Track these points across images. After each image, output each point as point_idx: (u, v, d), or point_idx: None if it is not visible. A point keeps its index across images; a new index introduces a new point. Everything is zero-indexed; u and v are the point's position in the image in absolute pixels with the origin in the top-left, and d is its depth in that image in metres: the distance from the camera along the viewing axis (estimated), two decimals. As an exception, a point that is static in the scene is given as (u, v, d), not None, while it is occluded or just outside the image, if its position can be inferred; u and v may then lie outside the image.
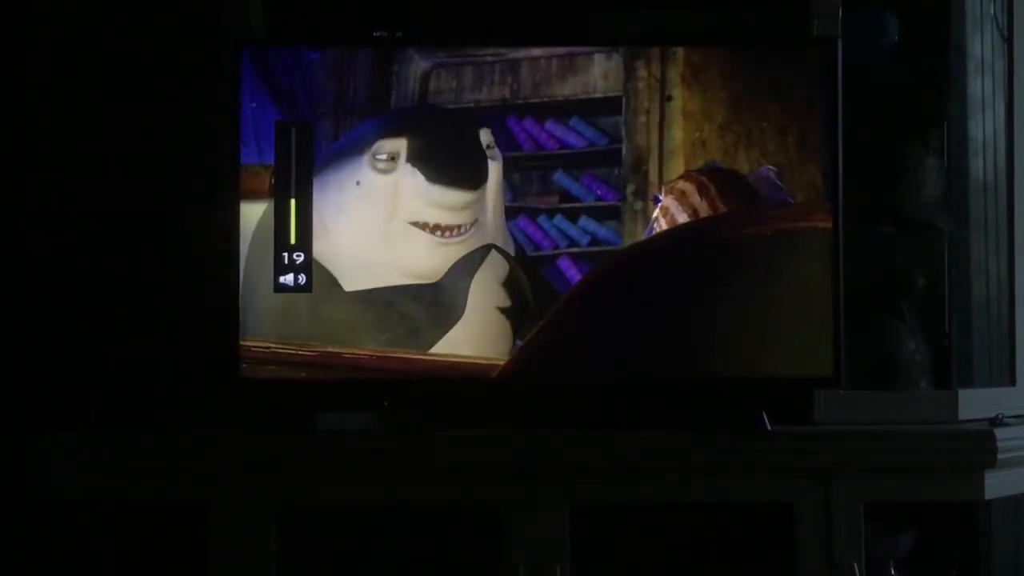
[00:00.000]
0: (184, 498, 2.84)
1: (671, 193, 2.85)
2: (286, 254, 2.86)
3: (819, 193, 2.85)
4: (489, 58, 2.88)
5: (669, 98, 2.86)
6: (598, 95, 2.88)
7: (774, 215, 2.85)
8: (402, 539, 2.98)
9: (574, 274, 2.86)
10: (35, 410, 2.96)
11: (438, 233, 2.85)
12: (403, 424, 2.86)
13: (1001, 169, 3.15)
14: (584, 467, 2.82)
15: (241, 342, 2.84)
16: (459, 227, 2.86)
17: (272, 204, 2.86)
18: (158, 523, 2.92)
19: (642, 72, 2.87)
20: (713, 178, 2.85)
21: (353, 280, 2.85)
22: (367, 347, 2.84)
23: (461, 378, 2.85)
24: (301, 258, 2.85)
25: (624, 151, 2.87)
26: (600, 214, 2.87)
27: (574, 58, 2.88)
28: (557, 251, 2.87)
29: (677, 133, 2.86)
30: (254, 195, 2.86)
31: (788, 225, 2.84)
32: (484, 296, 2.85)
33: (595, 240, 2.87)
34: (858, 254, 2.91)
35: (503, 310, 2.86)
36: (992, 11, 3.14)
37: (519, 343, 2.85)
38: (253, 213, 2.86)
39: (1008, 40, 3.16)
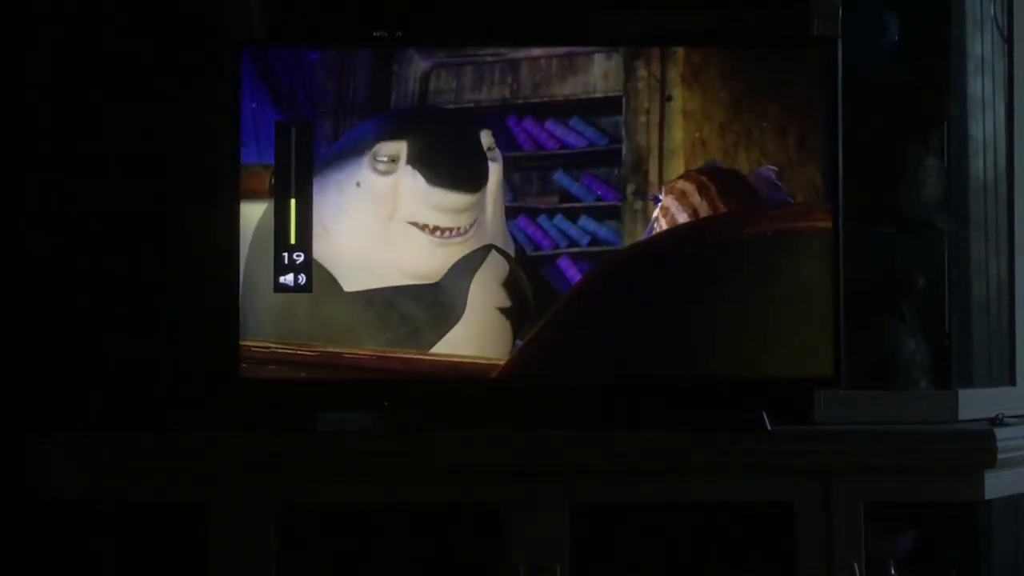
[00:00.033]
0: (184, 498, 2.84)
1: (671, 193, 2.85)
2: (286, 254, 2.86)
3: (819, 193, 2.85)
4: (489, 58, 2.88)
5: (669, 98, 2.86)
6: (598, 95, 2.88)
7: (774, 215, 2.85)
8: (402, 539, 2.98)
9: (574, 274, 2.86)
10: (35, 410, 2.96)
11: (437, 234, 2.85)
12: (403, 424, 2.86)
13: (1001, 169, 3.15)
14: (584, 467, 2.82)
15: (241, 342, 2.84)
16: (459, 228, 2.86)
17: (272, 204, 2.86)
18: (158, 523, 2.92)
19: (642, 72, 2.87)
20: (713, 178, 2.85)
21: (353, 280, 2.85)
22: (367, 347, 2.84)
23: (461, 378, 2.85)
24: (301, 258, 2.85)
25: (624, 151, 2.87)
26: (600, 214, 2.87)
27: (574, 58, 2.88)
28: (557, 251, 2.87)
29: (677, 133, 2.86)
30: (254, 195, 2.86)
31: (788, 225, 2.84)
32: (484, 296, 2.85)
33: (595, 240, 2.87)
34: (858, 254, 2.91)
35: (503, 310, 2.86)
36: (992, 11, 3.14)
37: (519, 343, 2.85)
38: (253, 213, 2.86)
39: (1008, 40, 3.16)
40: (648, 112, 2.87)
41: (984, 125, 3.13)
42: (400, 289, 2.85)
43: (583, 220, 2.87)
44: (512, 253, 2.87)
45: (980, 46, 3.13)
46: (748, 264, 2.84)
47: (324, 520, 2.95)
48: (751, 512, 2.88)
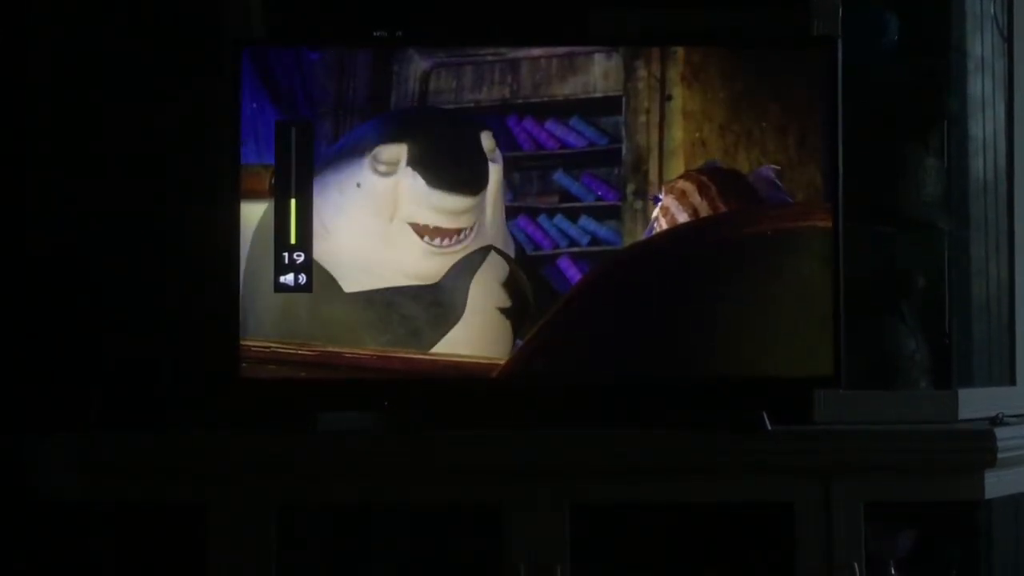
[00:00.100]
0: (184, 498, 2.84)
1: (671, 193, 2.85)
2: (286, 254, 2.85)
3: (819, 193, 2.85)
4: (489, 58, 2.88)
5: (669, 98, 2.86)
6: (598, 95, 2.88)
7: (774, 215, 2.85)
8: (402, 539, 2.98)
9: (574, 274, 2.86)
10: (35, 410, 2.96)
11: (437, 240, 2.84)
12: (403, 424, 2.86)
13: (1001, 169, 3.15)
14: (584, 467, 2.82)
15: (241, 342, 2.83)
16: (459, 232, 2.85)
17: (272, 204, 2.86)
18: (158, 523, 2.91)
19: (642, 72, 2.87)
20: (713, 178, 2.85)
21: (353, 280, 2.85)
22: (367, 347, 2.84)
23: (461, 378, 2.85)
24: (301, 258, 2.85)
25: (624, 151, 2.87)
26: (600, 214, 2.87)
27: (574, 58, 2.88)
28: (557, 251, 2.87)
29: (677, 133, 2.86)
30: (254, 195, 2.86)
31: (788, 225, 2.84)
32: (484, 296, 2.85)
33: (595, 240, 2.87)
34: (858, 254, 2.91)
35: (503, 310, 2.86)
36: (992, 11, 3.14)
37: (519, 343, 2.85)
38: (253, 213, 2.86)
39: (1008, 40, 3.16)
40: (648, 112, 2.87)
41: (984, 125, 3.13)
42: (400, 289, 2.85)
43: (583, 220, 2.87)
44: (512, 253, 2.87)
45: (980, 46, 3.13)
46: (748, 264, 2.84)
47: (324, 520, 2.95)
48: (751, 512, 2.88)
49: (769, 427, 2.79)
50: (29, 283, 3.03)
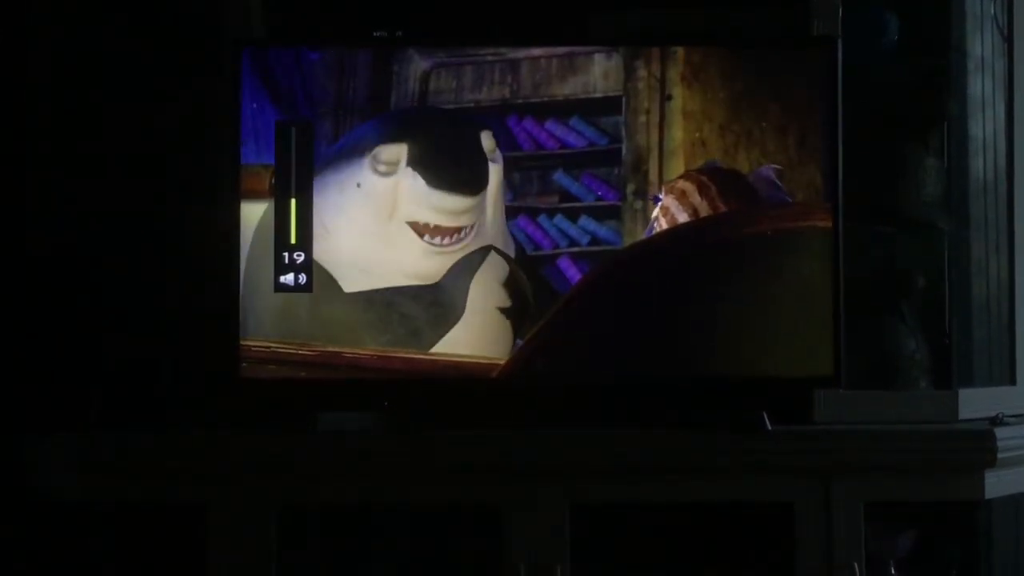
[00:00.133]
0: (184, 498, 2.84)
1: (671, 193, 2.85)
2: (286, 254, 2.85)
3: (819, 193, 2.85)
4: (489, 58, 2.88)
5: (669, 98, 2.86)
6: (598, 95, 2.88)
7: (774, 215, 2.85)
8: (402, 539, 2.98)
9: (574, 274, 2.86)
10: (35, 410, 2.96)
11: (437, 239, 2.84)
12: (403, 424, 2.86)
13: (1001, 169, 3.15)
14: (584, 467, 2.82)
15: (241, 342, 2.83)
16: (459, 230, 2.85)
17: (272, 204, 2.86)
18: (158, 523, 2.92)
19: (642, 72, 2.87)
20: (713, 178, 2.85)
21: (353, 280, 2.85)
22: (367, 347, 2.84)
23: (461, 378, 2.85)
24: (301, 258, 2.85)
25: (624, 151, 2.87)
26: (600, 214, 2.87)
27: (574, 58, 2.88)
28: (557, 251, 2.87)
29: (677, 133, 2.86)
30: (254, 195, 2.86)
31: (788, 225, 2.84)
32: (484, 296, 2.85)
33: (595, 240, 2.87)
34: (858, 254, 2.91)
35: (503, 310, 2.86)
36: (992, 11, 3.14)
37: (519, 343, 2.85)
38: (253, 213, 2.86)
39: (1008, 40, 3.16)
40: (648, 112, 2.87)
41: (984, 125, 3.13)
42: (400, 289, 2.85)
43: (583, 220, 2.87)
44: (512, 253, 2.87)
45: (980, 46, 3.13)
46: (748, 264, 2.84)
47: (324, 520, 2.95)
48: (751, 512, 2.88)
49: (769, 427, 2.79)
50: (29, 283, 3.03)
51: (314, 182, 2.85)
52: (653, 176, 2.86)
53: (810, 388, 2.89)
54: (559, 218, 2.88)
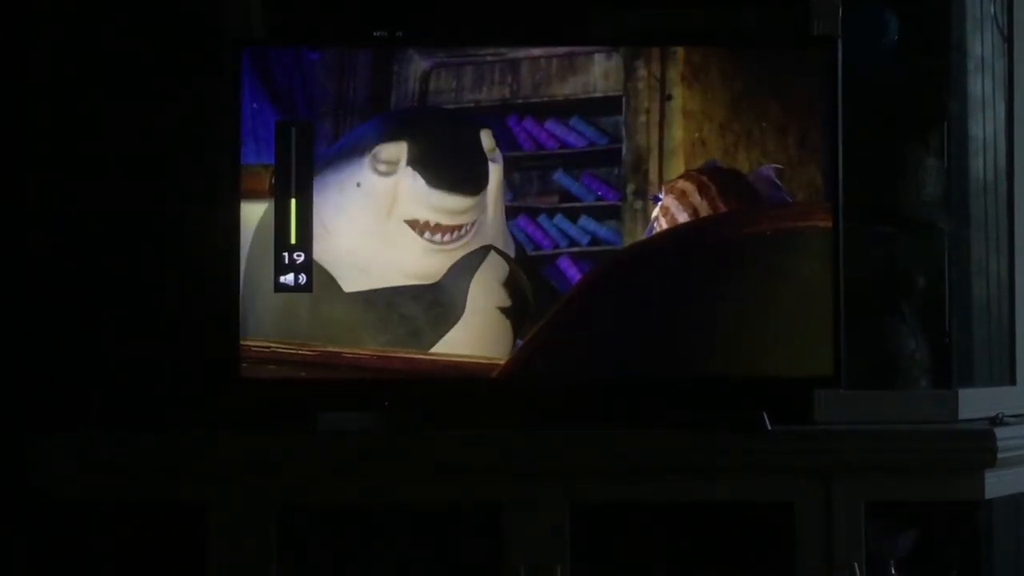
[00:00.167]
0: (184, 498, 2.84)
1: (671, 192, 2.85)
2: (286, 254, 2.85)
3: (819, 193, 2.84)
4: (489, 58, 2.88)
5: (669, 97, 2.86)
6: (598, 95, 2.88)
7: (774, 215, 2.85)
8: (402, 539, 2.98)
9: (574, 274, 2.86)
10: (35, 410, 2.96)
11: (438, 236, 2.84)
12: (403, 424, 2.85)
13: (1001, 169, 3.15)
14: (584, 467, 2.82)
15: (241, 342, 2.83)
16: (459, 228, 2.85)
17: (272, 204, 2.86)
18: (158, 523, 2.92)
19: (642, 72, 2.87)
20: (713, 177, 2.85)
21: (353, 280, 2.85)
22: (367, 347, 2.84)
23: (461, 378, 2.85)
24: (301, 258, 2.85)
25: (624, 151, 2.87)
26: (600, 214, 2.87)
27: (574, 58, 2.88)
28: (557, 251, 2.87)
29: (677, 133, 2.86)
30: (254, 195, 2.86)
31: (788, 225, 2.84)
32: (484, 296, 2.85)
33: (595, 240, 2.87)
34: (858, 254, 2.91)
35: (503, 310, 2.86)
36: (992, 11, 3.14)
37: (519, 343, 2.85)
38: (253, 213, 2.86)
39: (1008, 40, 3.16)
40: (648, 112, 2.87)
41: (984, 125, 3.13)
42: (400, 289, 2.85)
43: (583, 220, 2.87)
44: (512, 253, 2.87)
45: (980, 46, 3.13)
46: (748, 264, 2.84)
47: (324, 520, 2.95)
48: (751, 512, 2.88)
49: (769, 427, 2.79)
50: (29, 283, 3.03)
51: (314, 182, 2.85)
52: (653, 176, 2.86)
53: (810, 388, 2.89)
54: (559, 218, 2.87)
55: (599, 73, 2.88)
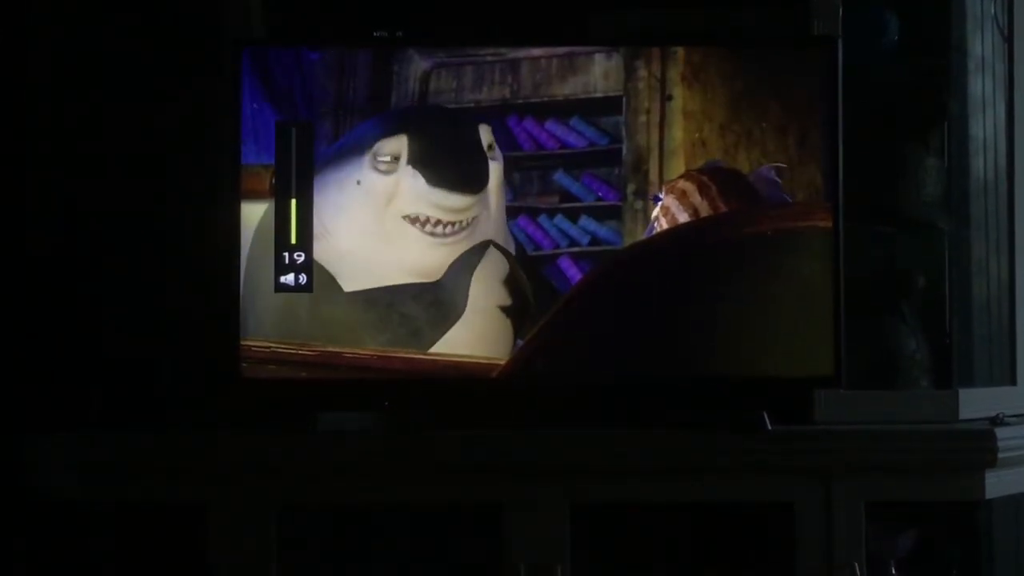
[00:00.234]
0: (184, 498, 2.84)
1: (671, 192, 2.85)
2: (287, 254, 2.85)
3: (819, 193, 2.84)
4: (489, 58, 2.88)
5: (669, 98, 2.86)
6: (598, 95, 2.88)
7: (774, 215, 2.84)
8: (402, 539, 2.98)
9: (575, 274, 2.86)
10: (35, 410, 2.96)
11: (439, 228, 2.84)
12: (403, 424, 2.85)
13: (1002, 169, 3.15)
14: (584, 467, 2.82)
15: (241, 342, 2.83)
16: (459, 222, 2.85)
17: (272, 204, 2.86)
18: (158, 523, 2.91)
19: (642, 72, 2.87)
20: (714, 177, 2.85)
21: (353, 280, 2.85)
22: (367, 347, 2.84)
23: (461, 378, 2.85)
24: (302, 258, 2.85)
25: (624, 151, 2.87)
26: (600, 214, 2.87)
27: (574, 58, 2.88)
28: (558, 251, 2.87)
29: (677, 133, 2.86)
30: (254, 195, 2.86)
31: (788, 224, 2.84)
32: (485, 295, 2.85)
33: (595, 240, 2.87)
34: (858, 254, 2.91)
35: (504, 309, 2.86)
36: (992, 11, 3.14)
37: (520, 343, 2.85)
38: (254, 213, 2.86)
39: (1008, 40, 3.16)
40: (648, 112, 2.87)
41: (984, 124, 3.13)
42: (401, 288, 2.85)
43: (583, 220, 2.87)
44: (513, 252, 2.87)
45: (980, 45, 3.13)
46: (748, 264, 2.84)
47: (324, 520, 2.95)
48: (751, 512, 2.88)
49: (769, 427, 2.79)
50: (29, 283, 3.03)
51: (314, 182, 2.85)
52: (653, 176, 2.86)
53: (810, 388, 2.89)
54: (559, 218, 2.87)
55: (599, 73, 2.88)
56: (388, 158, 2.85)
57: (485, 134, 2.86)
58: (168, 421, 2.92)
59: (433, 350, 2.84)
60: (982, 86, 3.13)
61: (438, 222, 2.85)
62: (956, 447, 2.81)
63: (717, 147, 2.85)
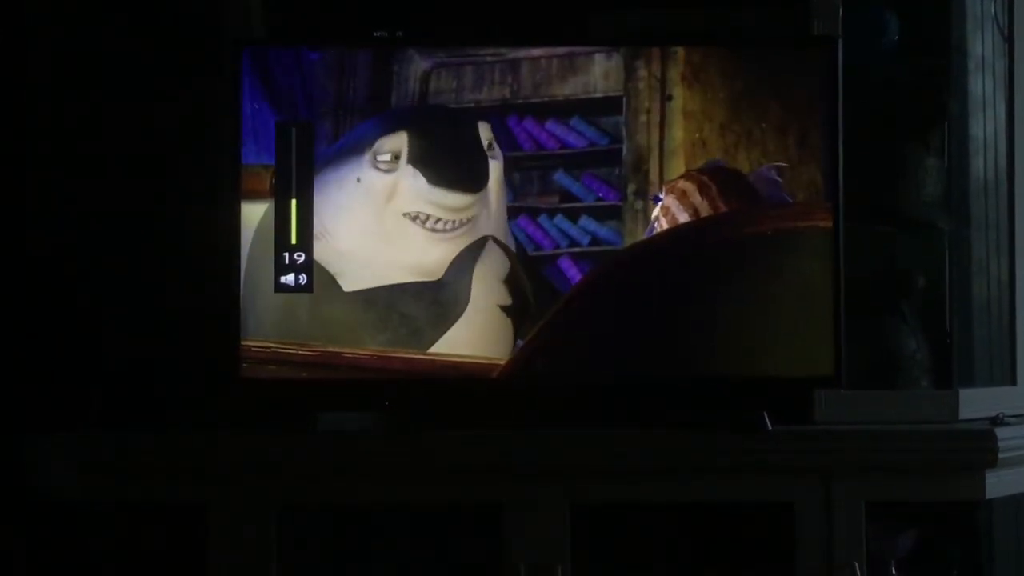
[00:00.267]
0: (184, 498, 2.84)
1: (672, 192, 2.85)
2: (287, 254, 2.85)
3: (819, 193, 2.84)
4: (489, 58, 2.88)
5: (669, 98, 2.86)
6: (598, 95, 2.88)
7: (774, 215, 2.84)
8: (402, 539, 2.98)
9: (575, 274, 2.86)
10: (35, 410, 2.96)
11: (440, 224, 2.84)
12: (403, 424, 2.85)
13: (1002, 168, 3.15)
14: (584, 467, 2.82)
15: (241, 342, 2.83)
16: (460, 219, 2.85)
17: (272, 204, 2.86)
18: (158, 523, 2.91)
19: (642, 72, 2.87)
20: (714, 177, 2.85)
21: (354, 279, 2.85)
22: (367, 347, 2.84)
23: (462, 378, 2.85)
24: (302, 258, 2.85)
25: (625, 151, 2.87)
26: (601, 214, 2.87)
27: (574, 58, 2.88)
28: (558, 251, 2.87)
29: (677, 133, 2.86)
30: (254, 195, 2.86)
31: (788, 224, 2.84)
32: (485, 294, 2.85)
33: (596, 240, 2.87)
34: (858, 254, 2.91)
35: (504, 308, 2.85)
36: (992, 10, 3.14)
37: (520, 343, 2.85)
38: (254, 213, 2.86)
39: (1008, 39, 3.16)
40: (648, 112, 2.87)
41: (985, 124, 3.13)
42: (401, 287, 2.85)
43: (584, 220, 2.87)
44: (513, 251, 2.87)
45: (980, 45, 3.13)
46: (748, 264, 2.84)
47: (324, 520, 2.95)
48: (751, 512, 2.88)
49: (769, 427, 2.79)
50: (29, 283, 3.03)
51: (314, 182, 2.85)
52: (654, 176, 2.86)
53: (810, 388, 2.89)
54: (560, 218, 2.87)
55: (599, 73, 2.88)
56: (388, 156, 2.85)
57: (485, 131, 2.86)
58: (168, 421, 2.92)
59: (433, 350, 2.84)
60: (982, 86, 3.13)
61: (438, 220, 2.85)
62: (956, 447, 2.81)
63: (717, 147, 2.85)
